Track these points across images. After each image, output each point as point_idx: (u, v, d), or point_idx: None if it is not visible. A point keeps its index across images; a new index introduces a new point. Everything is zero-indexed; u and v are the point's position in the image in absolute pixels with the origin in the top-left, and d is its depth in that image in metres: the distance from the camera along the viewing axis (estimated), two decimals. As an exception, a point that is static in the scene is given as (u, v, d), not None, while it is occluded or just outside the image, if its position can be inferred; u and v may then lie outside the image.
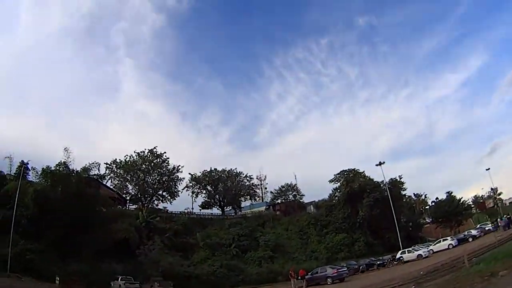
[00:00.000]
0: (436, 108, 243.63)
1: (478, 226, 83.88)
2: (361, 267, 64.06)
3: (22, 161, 59.02)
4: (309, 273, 54.28)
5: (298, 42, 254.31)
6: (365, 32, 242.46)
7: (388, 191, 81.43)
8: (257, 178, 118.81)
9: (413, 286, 26.07)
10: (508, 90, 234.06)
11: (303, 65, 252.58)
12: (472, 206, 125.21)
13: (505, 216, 79.80)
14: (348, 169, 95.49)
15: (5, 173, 60.38)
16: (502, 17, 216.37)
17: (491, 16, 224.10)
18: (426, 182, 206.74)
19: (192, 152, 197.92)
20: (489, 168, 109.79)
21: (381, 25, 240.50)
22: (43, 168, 54.81)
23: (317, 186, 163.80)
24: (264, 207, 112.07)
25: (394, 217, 76.53)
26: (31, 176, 57.44)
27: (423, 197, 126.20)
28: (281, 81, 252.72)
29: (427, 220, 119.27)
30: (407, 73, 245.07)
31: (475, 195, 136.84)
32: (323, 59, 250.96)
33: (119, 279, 48.67)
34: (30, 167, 57.79)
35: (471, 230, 75.10)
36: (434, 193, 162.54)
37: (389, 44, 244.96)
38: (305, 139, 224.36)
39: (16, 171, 58.85)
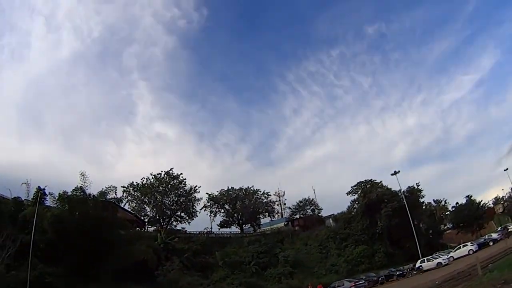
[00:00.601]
0: (452, 111, 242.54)
1: (499, 229, 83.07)
2: (380, 279, 63.77)
3: (39, 186, 59.42)
4: None
5: (309, 56, 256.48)
6: (375, 40, 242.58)
7: (404, 199, 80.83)
8: (275, 194, 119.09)
9: None
10: None
11: (316, 78, 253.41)
12: (502, 203, 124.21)
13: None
14: (365, 180, 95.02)
15: (23, 199, 60.89)
16: (509, 11, 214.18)
17: (499, 12, 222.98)
18: (446, 187, 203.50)
19: (211, 171, 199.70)
20: (507, 169, 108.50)
21: (390, 32, 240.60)
22: (59, 194, 55.45)
23: (335, 199, 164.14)
24: (283, 223, 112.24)
25: (412, 225, 76.13)
26: (49, 201, 58.07)
27: (443, 203, 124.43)
28: (296, 96, 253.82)
29: (448, 226, 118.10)
30: (420, 79, 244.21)
31: (496, 197, 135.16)
32: (336, 71, 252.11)
33: (139, 299, 49.20)
34: (47, 193, 58.41)
35: (492, 234, 74.58)
36: (455, 198, 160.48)
37: (400, 51, 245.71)
38: (322, 152, 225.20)
39: (34, 196, 59.12)
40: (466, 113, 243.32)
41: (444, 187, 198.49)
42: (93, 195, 57.24)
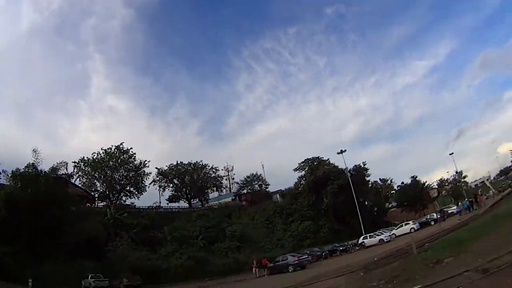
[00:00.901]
0: (404, 94, 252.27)
1: (441, 208, 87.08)
2: (324, 254, 66.91)
3: (-9, 165, 58.91)
4: (272, 262, 55.75)
5: (266, 32, 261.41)
6: (333, 21, 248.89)
7: (349, 178, 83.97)
8: (223, 169, 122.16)
9: (362, 273, 27.32)
10: (475, 76, 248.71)
11: (271, 55, 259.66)
12: (437, 188, 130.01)
13: (466, 200, 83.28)
14: (312, 157, 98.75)
15: (-21, 178, 60.20)
16: (471, 3, 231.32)
17: (460, 3, 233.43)
18: (395, 167, 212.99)
19: (163, 145, 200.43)
20: (452, 153, 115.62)
21: (349, 14, 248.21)
22: (12, 171, 55.13)
23: (285, 175, 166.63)
24: (231, 198, 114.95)
25: (356, 203, 79.41)
26: (2, 179, 57.62)
27: (389, 182, 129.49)
28: (250, 72, 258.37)
29: (393, 205, 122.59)
30: (374, 61, 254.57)
31: (441, 179, 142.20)
32: (291, 49, 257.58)
33: (89, 277, 49.64)
34: (0, 170, 57.93)
35: (433, 214, 78.09)
36: (402, 178, 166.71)
37: (357, 33, 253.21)
38: (273, 128, 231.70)
39: (-12, 175, 58.53)
40: (418, 97, 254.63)
41: (392, 166, 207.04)
42: (45, 172, 56.90)
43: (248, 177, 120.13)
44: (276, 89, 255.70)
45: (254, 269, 55.20)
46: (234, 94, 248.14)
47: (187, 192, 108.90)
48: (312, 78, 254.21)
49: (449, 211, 77.91)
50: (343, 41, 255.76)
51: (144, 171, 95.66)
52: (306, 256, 56.79)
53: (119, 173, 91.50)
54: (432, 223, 69.50)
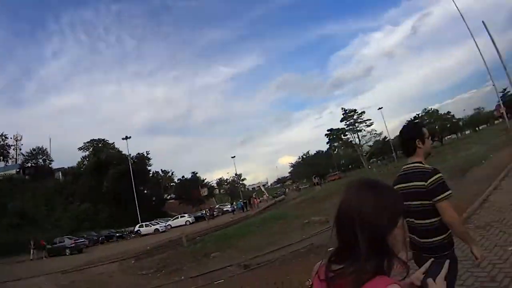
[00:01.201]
0: (201, 94, 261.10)
1: (217, 206, 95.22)
2: (100, 238, 66.66)
3: None
4: (50, 244, 55.46)
5: (89, 3, 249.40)
6: (156, 9, 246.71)
7: (131, 165, 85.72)
8: (13, 137, 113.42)
9: (133, 261, 29.11)
10: (272, 92, 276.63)
11: (87, 27, 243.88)
12: (216, 187, 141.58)
13: (240, 200, 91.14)
14: (98, 138, 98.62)
15: None
16: (287, 32, 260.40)
17: (280, 26, 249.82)
18: (180, 160, 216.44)
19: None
20: (234, 156, 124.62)
21: (176, 6, 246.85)
22: None
23: (71, 152, 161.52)
24: (15, 170, 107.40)
25: (134, 190, 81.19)
26: None
27: (170, 174, 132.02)
28: (61, 39, 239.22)
29: (172, 196, 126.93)
30: (181, 56, 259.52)
31: (220, 178, 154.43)
32: (108, 25, 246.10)
33: None
34: None
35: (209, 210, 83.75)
36: (185, 172, 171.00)
37: (174, 26, 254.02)
38: (68, 102, 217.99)
39: None
40: (214, 99, 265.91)
41: (178, 160, 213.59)
42: None
43: (33, 149, 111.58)
44: (80, 62, 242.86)
45: (31, 250, 54.09)
46: (40, 59, 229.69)
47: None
48: (117, 58, 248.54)
49: (224, 209, 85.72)
50: (157, 30, 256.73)
51: None
52: (83, 240, 57.30)
53: None
54: (207, 218, 72.72)
